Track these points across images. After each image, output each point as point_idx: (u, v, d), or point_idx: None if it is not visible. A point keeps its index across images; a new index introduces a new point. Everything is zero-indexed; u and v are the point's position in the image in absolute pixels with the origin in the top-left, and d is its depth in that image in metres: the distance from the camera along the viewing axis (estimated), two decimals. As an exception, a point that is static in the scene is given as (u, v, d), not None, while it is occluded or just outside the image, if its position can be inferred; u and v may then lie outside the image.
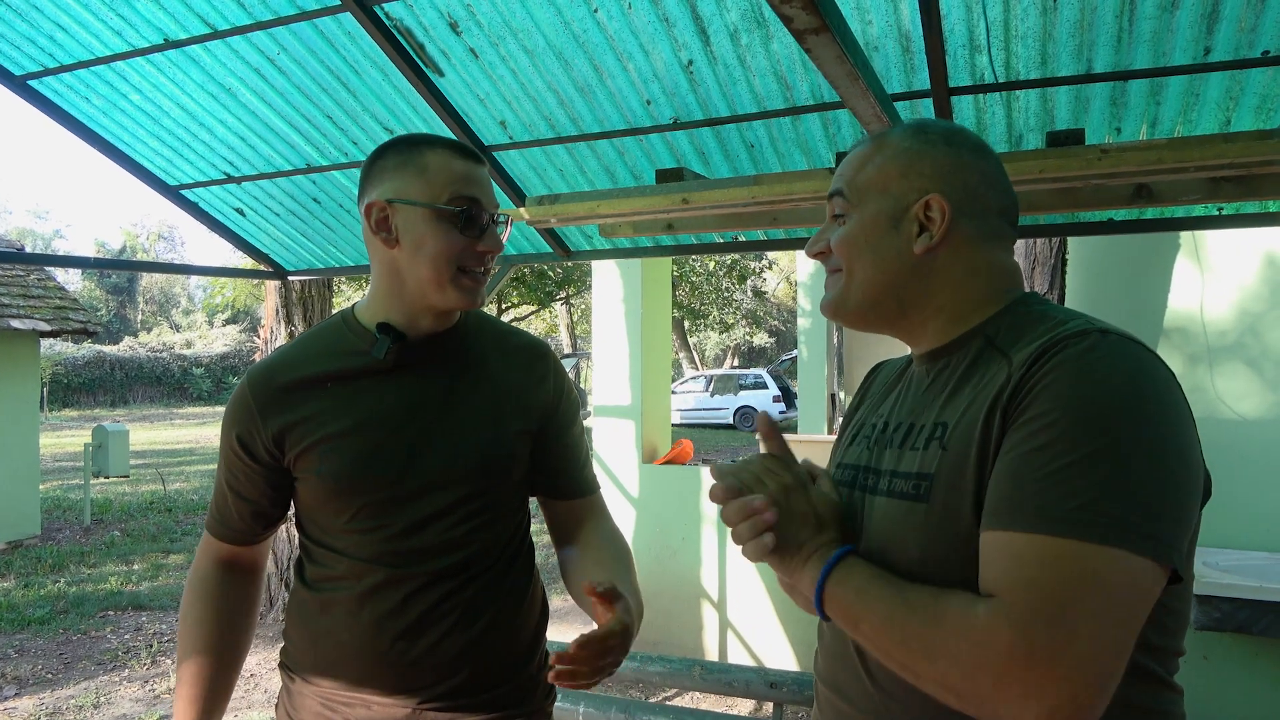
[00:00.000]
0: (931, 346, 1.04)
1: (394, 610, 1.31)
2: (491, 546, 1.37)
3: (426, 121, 2.88)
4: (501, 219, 1.37)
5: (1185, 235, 3.77)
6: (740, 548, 0.98)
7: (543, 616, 1.48)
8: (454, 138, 1.36)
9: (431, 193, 1.28)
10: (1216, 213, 2.65)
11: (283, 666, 1.44)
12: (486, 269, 1.34)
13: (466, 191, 1.29)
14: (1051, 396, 0.84)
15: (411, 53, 2.58)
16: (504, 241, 1.36)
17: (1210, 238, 3.74)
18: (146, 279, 54.43)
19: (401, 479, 1.32)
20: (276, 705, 1.45)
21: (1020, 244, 4.09)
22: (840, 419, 3.32)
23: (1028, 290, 1.05)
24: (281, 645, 1.45)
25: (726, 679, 2.80)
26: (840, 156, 2.55)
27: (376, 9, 2.43)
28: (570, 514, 1.51)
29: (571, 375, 21.96)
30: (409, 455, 1.32)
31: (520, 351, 1.46)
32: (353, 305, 1.42)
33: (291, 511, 1.45)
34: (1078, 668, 0.76)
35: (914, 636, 0.85)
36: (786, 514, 0.97)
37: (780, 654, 4.74)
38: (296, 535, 1.45)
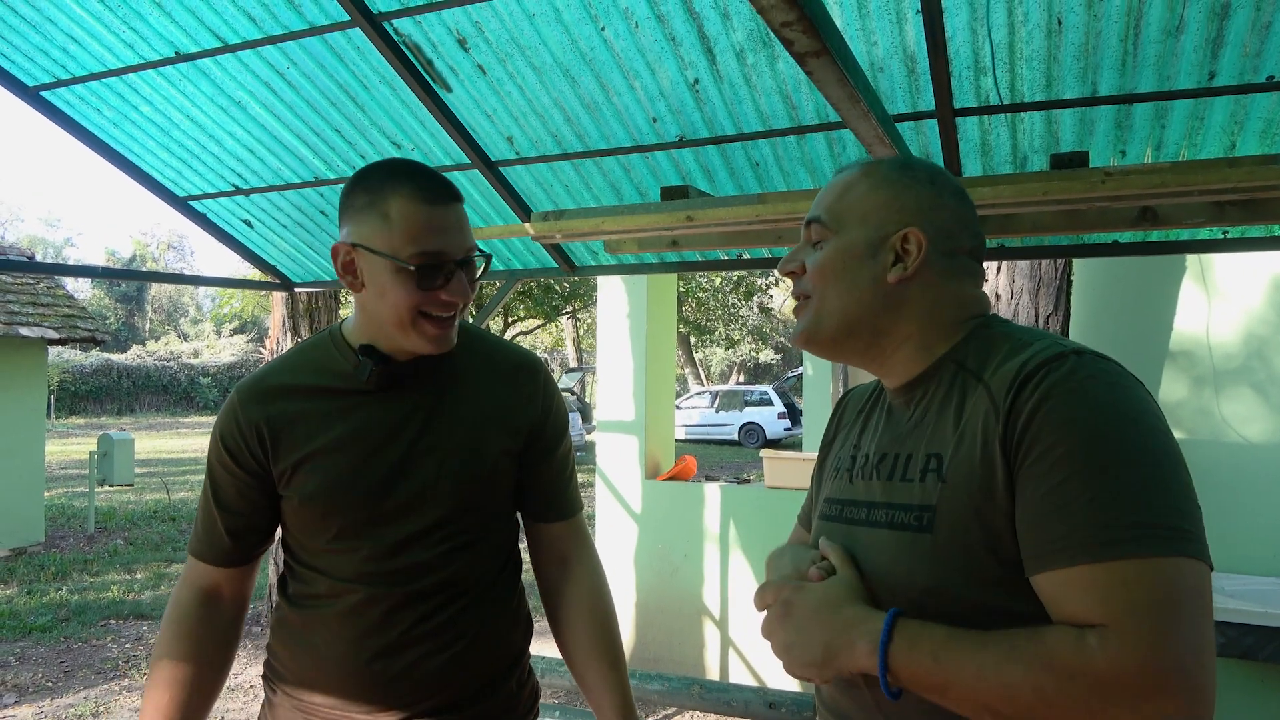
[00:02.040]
0: (904, 379, 1.07)
1: (374, 628, 1.30)
2: (473, 566, 1.35)
3: (434, 137, 2.90)
4: (477, 256, 1.32)
5: (1192, 258, 3.77)
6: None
7: (526, 633, 1.47)
8: (428, 169, 1.30)
9: (393, 244, 1.24)
10: (1222, 236, 2.65)
11: (265, 679, 1.43)
12: (454, 314, 1.31)
13: (428, 245, 1.24)
14: (1056, 426, 0.86)
15: (420, 68, 2.60)
16: (471, 281, 1.31)
17: (1218, 261, 3.73)
18: (155, 288, 54.70)
19: (382, 499, 1.30)
20: (259, 717, 1.44)
21: (1025, 265, 4.08)
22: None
23: (991, 314, 1.09)
24: (266, 658, 1.44)
25: (726, 698, 2.79)
26: (844, 176, 2.56)
27: (386, 25, 2.45)
28: (552, 542, 1.49)
29: (576, 389, 21.95)
30: (390, 475, 1.31)
31: (508, 369, 1.44)
32: (341, 322, 1.41)
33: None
34: (1199, 678, 0.79)
35: (1022, 687, 0.82)
36: (796, 607, 0.98)
37: (781, 674, 4.71)
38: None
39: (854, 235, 1.05)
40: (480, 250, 1.33)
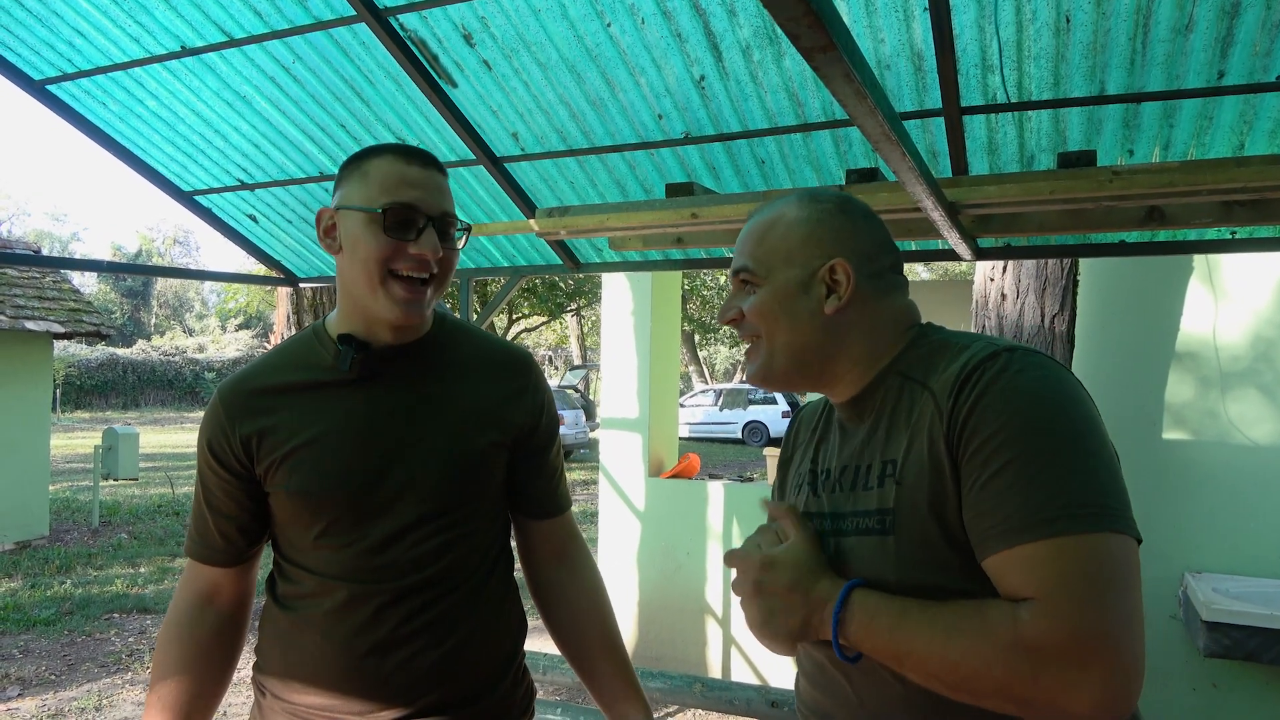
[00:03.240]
0: (851, 394, 1.12)
1: (364, 626, 1.28)
2: (464, 562, 1.34)
3: (439, 132, 2.90)
4: (459, 228, 1.33)
5: (1199, 259, 3.75)
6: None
7: (520, 630, 1.46)
8: (407, 146, 1.33)
9: (368, 196, 1.26)
10: (1230, 236, 2.64)
11: (255, 680, 1.41)
12: (427, 277, 1.29)
13: (401, 195, 1.26)
14: (992, 419, 0.92)
15: (425, 63, 2.59)
16: (448, 247, 1.30)
17: (1225, 261, 3.72)
18: (161, 283, 54.81)
19: (368, 493, 1.29)
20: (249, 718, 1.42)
21: (1030, 264, 4.07)
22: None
23: (925, 322, 1.15)
24: (255, 661, 1.42)
25: (728, 697, 2.78)
26: (851, 174, 2.55)
27: (391, 20, 2.45)
28: (546, 539, 1.50)
29: (580, 387, 21.94)
30: (377, 469, 1.29)
31: (500, 362, 1.42)
32: (325, 317, 1.40)
33: None
34: (1126, 646, 0.84)
35: (965, 657, 0.88)
36: (764, 585, 1.05)
37: (783, 672, 4.70)
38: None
39: (783, 277, 1.11)
40: (461, 221, 1.33)
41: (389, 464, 1.30)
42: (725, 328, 25.49)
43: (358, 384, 1.32)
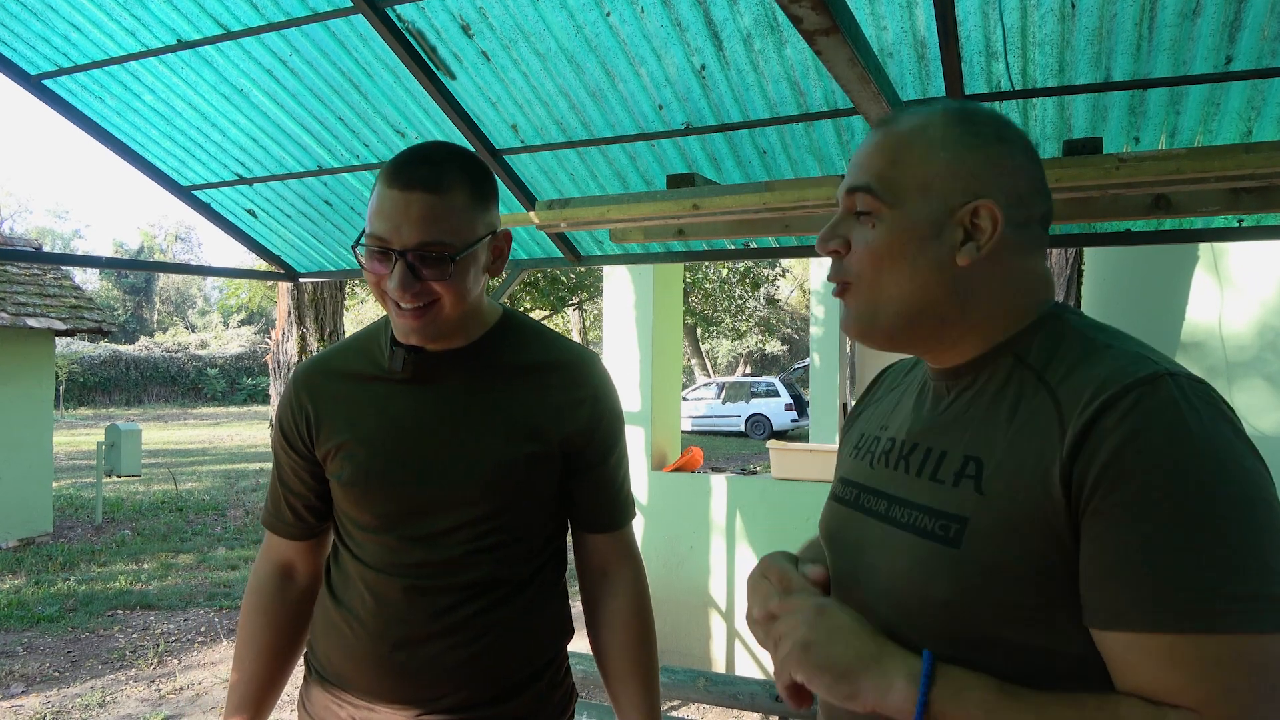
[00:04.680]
0: (954, 362, 0.93)
1: (398, 619, 1.30)
2: (504, 566, 1.32)
3: (438, 125, 2.87)
4: (448, 253, 1.20)
5: (1204, 247, 3.72)
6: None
7: (560, 636, 1.44)
8: (434, 153, 1.24)
9: (368, 218, 1.23)
10: (1237, 224, 2.61)
11: (305, 659, 1.47)
12: (417, 308, 1.22)
13: (375, 227, 1.20)
14: (1147, 469, 0.74)
15: (423, 55, 2.57)
16: (432, 278, 1.20)
17: (1230, 250, 3.69)
18: (163, 279, 54.86)
19: (412, 491, 1.30)
20: (299, 697, 1.47)
21: (1036, 254, 4.04)
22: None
23: (1060, 301, 0.96)
24: (308, 638, 1.48)
25: (731, 691, 2.77)
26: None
27: (389, 11, 2.42)
28: (594, 553, 1.45)
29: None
30: (418, 470, 1.30)
31: (559, 369, 1.37)
32: None
33: None
34: None
35: None
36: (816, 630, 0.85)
37: (788, 665, 4.69)
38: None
39: (915, 209, 0.89)
40: (446, 246, 1.20)
41: (431, 466, 1.30)
42: (727, 319, 25.47)
43: (411, 384, 1.33)
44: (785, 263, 24.35)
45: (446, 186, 1.20)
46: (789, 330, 34.86)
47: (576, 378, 1.38)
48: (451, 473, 1.30)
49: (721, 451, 16.98)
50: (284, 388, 1.42)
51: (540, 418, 1.33)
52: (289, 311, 6.83)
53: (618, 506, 1.43)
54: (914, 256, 0.89)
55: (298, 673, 1.50)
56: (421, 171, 1.20)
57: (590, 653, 1.49)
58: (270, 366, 7.30)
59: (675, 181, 2.71)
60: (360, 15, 2.43)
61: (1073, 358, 0.84)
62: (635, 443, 5.23)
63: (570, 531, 1.46)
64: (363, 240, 1.23)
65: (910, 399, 1.01)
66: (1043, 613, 0.79)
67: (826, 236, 0.94)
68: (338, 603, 1.37)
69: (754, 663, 4.81)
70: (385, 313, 1.32)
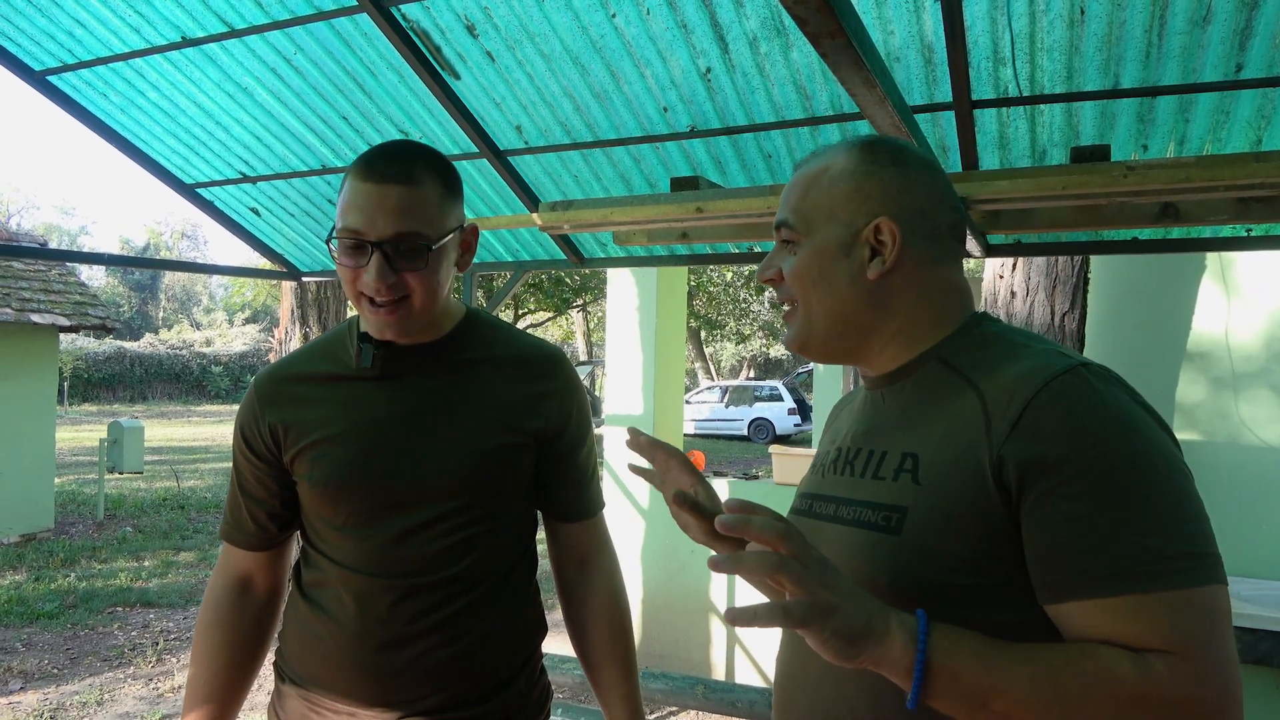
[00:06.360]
0: (885, 369, 1.03)
1: (379, 620, 1.29)
2: (483, 562, 1.33)
3: (442, 125, 2.86)
4: (423, 244, 1.21)
5: (1212, 257, 3.70)
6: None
7: (537, 633, 1.45)
8: (403, 150, 1.26)
9: (338, 214, 1.24)
10: (1245, 234, 2.59)
11: (275, 666, 1.44)
12: (389, 302, 1.23)
13: (348, 220, 1.21)
14: (1077, 454, 0.83)
15: (428, 55, 2.56)
16: (406, 271, 1.21)
17: (1238, 260, 3.66)
18: (169, 277, 54.99)
19: (387, 488, 1.30)
20: (269, 705, 1.45)
21: (1041, 261, 4.02)
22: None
23: (980, 311, 1.05)
24: (277, 646, 1.45)
25: (730, 699, 2.75)
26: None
27: (393, 10, 2.41)
28: (570, 542, 1.47)
29: (586, 383, 21.93)
30: (395, 465, 1.30)
31: (528, 363, 1.40)
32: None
33: None
34: (1240, 695, 0.81)
35: (1080, 702, 0.79)
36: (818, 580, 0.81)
37: (788, 671, 4.67)
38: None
39: (824, 236, 1.00)
40: (421, 237, 1.21)
41: (405, 462, 1.30)
42: (731, 323, 25.49)
43: (380, 381, 1.33)
44: (756, 279, 24.29)
45: (419, 179, 1.23)
46: (793, 335, 34.73)
47: (545, 370, 1.40)
48: (427, 465, 1.30)
49: (724, 455, 16.96)
50: (246, 394, 1.40)
51: (513, 409, 1.35)
52: (292, 310, 6.83)
53: (591, 494, 1.47)
54: (830, 275, 1.00)
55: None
56: (393, 166, 1.22)
57: (558, 654, 1.50)
58: (273, 365, 7.27)
59: (679, 184, 2.69)
60: (365, 14, 2.42)
61: (994, 359, 0.93)
62: (637, 446, 5.21)
63: (544, 526, 1.49)
64: (334, 236, 1.24)
65: (853, 413, 1.11)
66: (979, 591, 0.87)
67: (764, 267, 1.07)
68: (313, 606, 1.34)
69: (754, 670, 4.79)
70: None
